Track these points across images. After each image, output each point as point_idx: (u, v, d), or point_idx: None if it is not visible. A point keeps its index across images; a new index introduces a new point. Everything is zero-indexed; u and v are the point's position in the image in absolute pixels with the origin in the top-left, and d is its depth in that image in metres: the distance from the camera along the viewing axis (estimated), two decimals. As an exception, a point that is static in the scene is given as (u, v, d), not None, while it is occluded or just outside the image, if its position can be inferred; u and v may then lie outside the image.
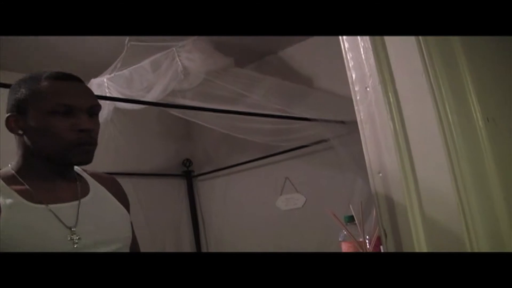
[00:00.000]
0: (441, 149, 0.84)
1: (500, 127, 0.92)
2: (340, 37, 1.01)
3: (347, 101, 1.07)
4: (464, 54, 0.92)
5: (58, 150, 1.05)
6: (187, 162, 3.39)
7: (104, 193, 1.17)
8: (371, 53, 0.93)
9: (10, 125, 1.08)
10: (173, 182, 3.33)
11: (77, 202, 1.08)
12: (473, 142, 0.88)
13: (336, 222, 1.44)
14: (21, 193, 1.02)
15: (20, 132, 1.07)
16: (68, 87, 1.07)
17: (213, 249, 3.27)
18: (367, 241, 1.39)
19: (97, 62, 2.51)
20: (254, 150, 2.94)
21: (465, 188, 0.83)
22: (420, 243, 0.85)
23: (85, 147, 1.07)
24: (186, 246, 3.23)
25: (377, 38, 0.93)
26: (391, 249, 0.90)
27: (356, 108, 0.98)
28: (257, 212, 3.03)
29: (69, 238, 1.00)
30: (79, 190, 1.11)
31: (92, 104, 1.10)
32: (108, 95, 2.40)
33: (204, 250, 3.30)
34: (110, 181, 1.23)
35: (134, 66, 2.39)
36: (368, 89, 0.94)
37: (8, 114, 1.08)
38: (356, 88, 0.97)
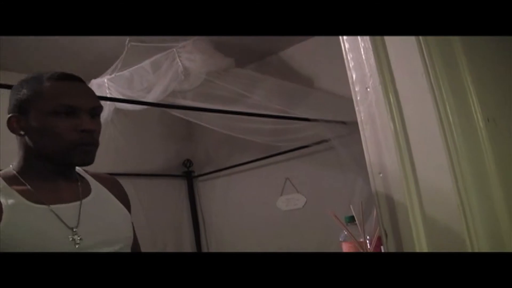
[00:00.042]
0: (441, 149, 0.84)
1: (501, 127, 0.92)
2: (340, 37, 1.01)
3: (348, 102, 1.07)
4: (464, 54, 0.92)
5: (59, 150, 1.05)
6: (188, 163, 3.39)
7: (106, 193, 1.17)
8: (371, 53, 0.93)
9: (12, 125, 1.08)
10: (174, 183, 3.33)
11: (78, 202, 1.08)
12: (473, 142, 0.88)
13: (337, 222, 1.44)
14: (22, 193, 1.02)
15: (22, 132, 1.07)
16: (70, 87, 1.08)
17: (213, 249, 3.26)
18: (367, 241, 1.39)
19: (97, 62, 2.51)
20: (255, 150, 2.94)
21: (465, 188, 0.83)
22: (420, 243, 0.85)
23: (87, 147, 1.07)
24: (187, 246, 3.23)
25: (378, 38, 0.93)
26: (392, 249, 0.90)
27: (356, 108, 0.98)
28: (257, 213, 3.03)
29: (70, 239, 1.01)
30: (80, 190, 1.11)
31: (94, 105, 1.10)
32: (108, 95, 2.39)
33: (204, 250, 3.29)
34: (111, 181, 1.23)
35: (134, 67, 2.39)
36: (368, 89, 0.94)
37: (10, 114, 1.08)
38: (357, 89, 0.97)
